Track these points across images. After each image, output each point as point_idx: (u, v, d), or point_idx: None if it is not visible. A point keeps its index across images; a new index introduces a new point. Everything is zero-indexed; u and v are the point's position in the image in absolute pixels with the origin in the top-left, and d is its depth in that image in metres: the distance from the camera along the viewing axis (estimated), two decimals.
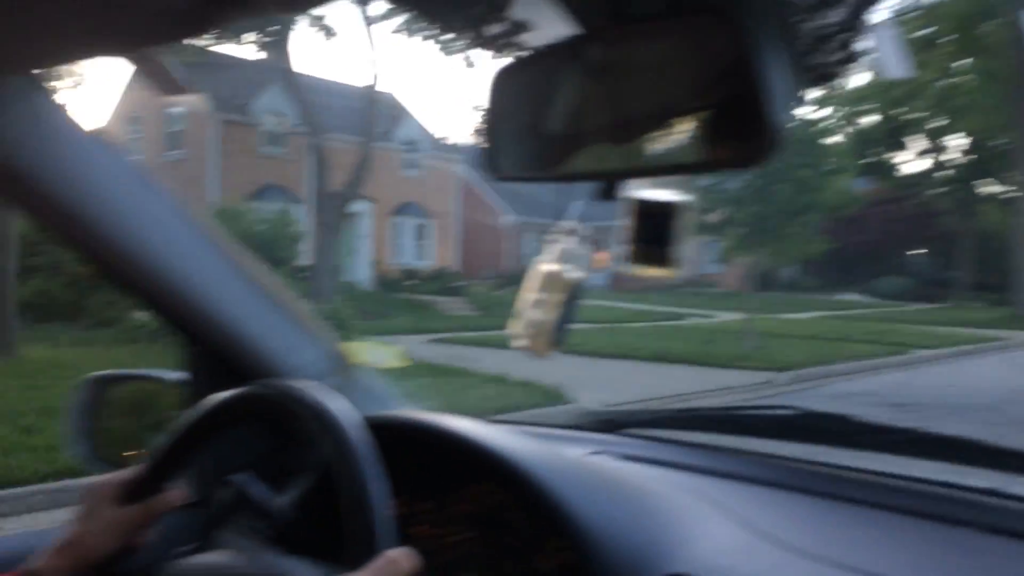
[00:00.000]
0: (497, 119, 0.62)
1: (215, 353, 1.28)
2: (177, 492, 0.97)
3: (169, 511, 0.96)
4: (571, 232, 0.57)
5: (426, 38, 17.40)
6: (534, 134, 0.61)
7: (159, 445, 0.97)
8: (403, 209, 28.85)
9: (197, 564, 0.93)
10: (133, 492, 0.95)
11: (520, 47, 0.59)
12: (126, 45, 0.79)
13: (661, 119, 0.50)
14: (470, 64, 18.12)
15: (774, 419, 1.16)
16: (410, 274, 26.14)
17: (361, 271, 25.19)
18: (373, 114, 18.52)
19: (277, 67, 15.35)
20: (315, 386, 0.87)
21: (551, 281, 0.61)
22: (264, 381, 0.95)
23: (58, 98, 0.98)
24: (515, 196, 32.28)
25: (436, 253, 29.68)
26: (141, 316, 11.08)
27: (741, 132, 0.45)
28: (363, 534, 0.72)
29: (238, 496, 1.24)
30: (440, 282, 25.05)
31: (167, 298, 1.17)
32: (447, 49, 16.54)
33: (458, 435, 1.01)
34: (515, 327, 0.65)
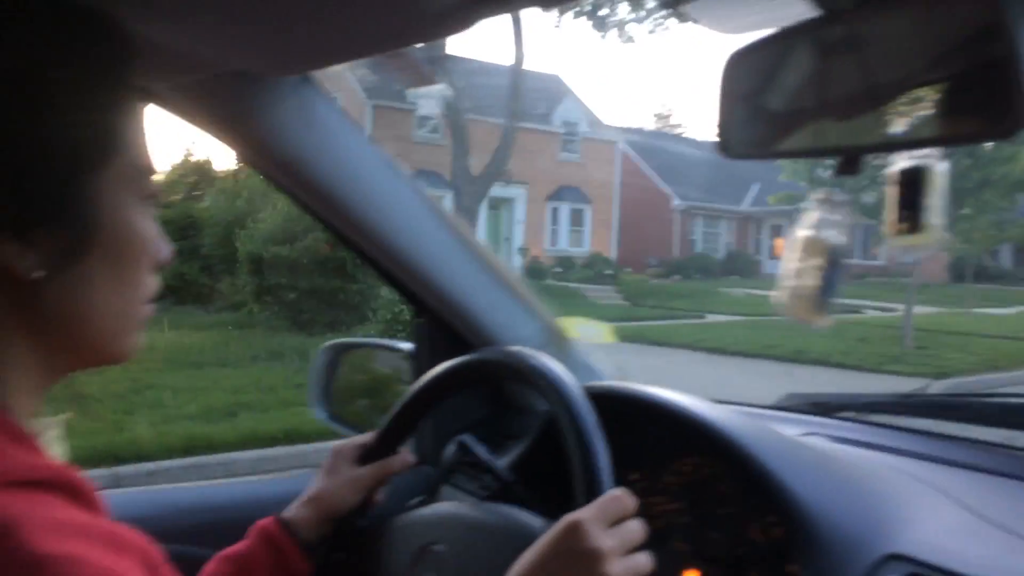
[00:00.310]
0: (731, 100, 0.66)
1: (442, 325, 1.39)
2: (407, 455, 1.07)
3: (401, 471, 1.06)
4: (826, 201, 0.59)
5: (578, 15, 16.84)
6: (769, 113, 0.65)
7: (392, 409, 1.08)
8: (560, 194, 27.83)
9: (428, 513, 1.02)
10: (369, 453, 1.06)
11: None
12: (390, 44, 0.89)
13: (901, 92, 0.52)
14: (628, 39, 17.23)
15: (999, 406, 1.12)
16: (563, 262, 25.35)
17: (510, 258, 24.50)
18: (520, 93, 17.45)
19: (433, 52, 14.87)
20: (541, 353, 0.93)
21: (810, 247, 0.64)
22: (494, 347, 1.02)
23: (325, 95, 1.12)
24: (684, 180, 30.60)
25: (592, 239, 28.51)
26: (265, 301, 11.50)
27: (988, 102, 0.46)
28: (589, 485, 0.78)
29: (462, 456, 1.35)
30: (593, 270, 24.12)
31: (405, 273, 1.29)
32: (600, 25, 15.89)
33: (674, 407, 1.05)
34: (779, 296, 0.67)
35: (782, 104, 0.63)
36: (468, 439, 1.20)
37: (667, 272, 26.68)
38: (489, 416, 1.46)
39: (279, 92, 1.07)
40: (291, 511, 1.01)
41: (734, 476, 1.05)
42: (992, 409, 1.14)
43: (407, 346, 1.55)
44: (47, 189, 0.59)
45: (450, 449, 1.39)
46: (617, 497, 0.77)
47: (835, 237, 0.56)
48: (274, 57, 0.96)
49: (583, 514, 0.74)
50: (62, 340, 0.63)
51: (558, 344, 1.39)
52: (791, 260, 0.58)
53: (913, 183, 0.57)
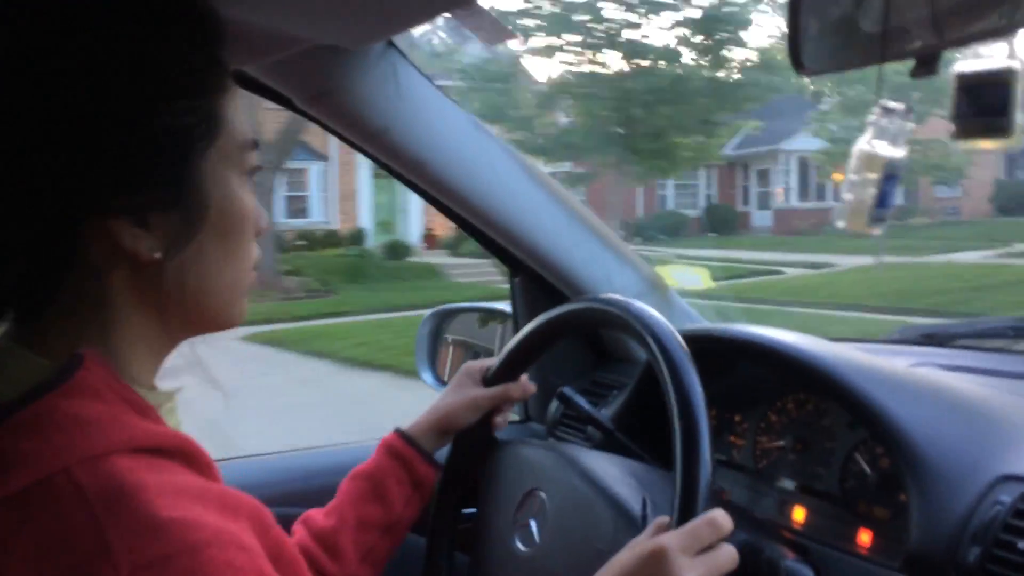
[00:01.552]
0: (800, 14, 0.65)
1: (539, 282, 1.41)
2: (528, 383, 1.08)
3: (520, 399, 1.08)
4: (889, 111, 0.57)
5: None
6: (841, 22, 0.63)
7: (514, 339, 1.07)
8: None
9: (542, 453, 1.04)
10: (494, 377, 1.08)
11: None
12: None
13: None
14: None
15: None
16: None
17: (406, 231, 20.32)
18: None
19: None
20: (637, 301, 0.92)
21: (866, 160, 0.62)
22: (592, 296, 1.03)
23: (410, 62, 1.14)
24: None
25: None
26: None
27: None
28: (686, 502, 0.75)
29: (565, 408, 1.37)
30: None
31: (499, 232, 1.32)
32: None
33: (775, 345, 1.04)
34: (840, 211, 0.65)
35: (855, 10, 0.62)
36: (568, 391, 1.22)
37: (625, 236, 23.08)
38: (591, 368, 1.48)
39: (365, 63, 1.10)
40: (411, 425, 1.06)
41: (838, 410, 1.04)
42: None
43: (507, 307, 1.58)
44: (161, 174, 0.62)
45: (552, 405, 1.42)
46: (711, 522, 0.72)
47: (890, 150, 0.54)
48: (355, 25, 0.99)
49: (671, 541, 0.71)
50: (180, 313, 0.68)
51: (657, 292, 1.39)
52: (848, 172, 0.56)
53: (981, 84, 0.55)
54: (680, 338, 0.83)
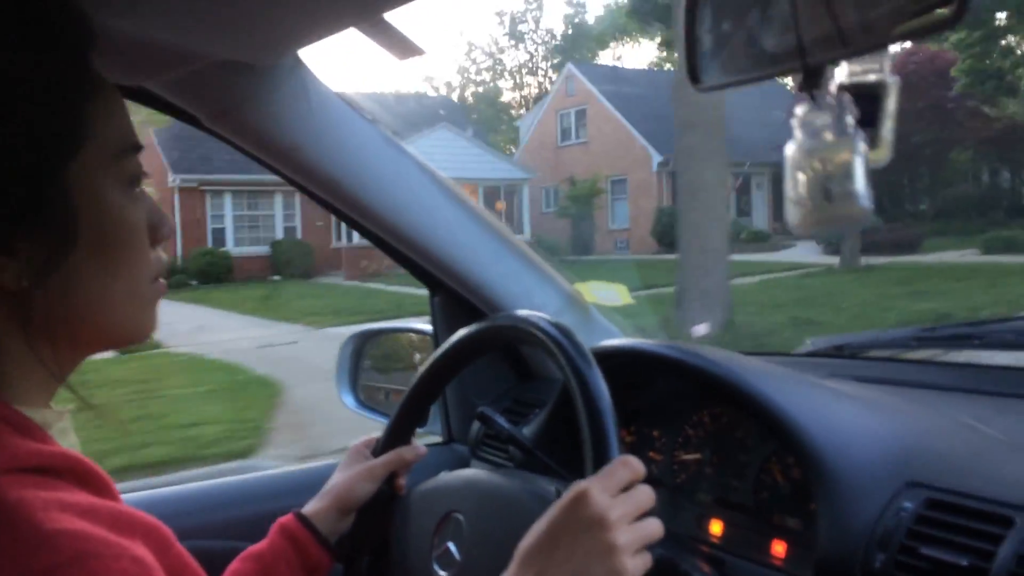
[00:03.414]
0: (696, 32, 0.66)
1: (458, 300, 1.40)
2: (418, 445, 1.07)
3: (414, 460, 1.06)
4: (806, 111, 0.57)
5: None
6: (734, 38, 0.64)
7: (400, 399, 1.08)
8: None
9: (448, 480, 1.03)
10: (383, 445, 1.06)
11: None
12: (373, 11, 0.89)
13: None
14: None
15: (1014, 330, 1.10)
16: None
17: None
18: None
19: None
20: (546, 316, 0.92)
21: (800, 161, 0.62)
22: (502, 314, 1.02)
23: (315, 74, 1.12)
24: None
25: None
26: None
27: None
28: (597, 452, 0.77)
29: (486, 428, 1.36)
30: None
31: (415, 250, 1.30)
32: None
33: (688, 360, 1.05)
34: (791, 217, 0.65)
35: (754, 27, 0.63)
36: (487, 411, 1.21)
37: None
38: (512, 386, 1.47)
39: (273, 79, 1.08)
40: (310, 506, 1.02)
41: (750, 422, 1.05)
42: (1008, 334, 1.12)
43: (429, 327, 1.56)
44: (17, 191, 0.57)
45: (475, 423, 1.40)
46: (624, 462, 0.75)
47: (828, 139, 0.54)
48: (260, 41, 0.96)
49: (590, 482, 0.73)
50: (68, 334, 0.63)
51: (576, 308, 1.39)
52: (790, 185, 0.57)
53: (865, 96, 0.56)
54: (587, 351, 0.84)
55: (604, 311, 1.45)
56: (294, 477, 1.43)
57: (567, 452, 1.20)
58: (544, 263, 1.40)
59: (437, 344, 1.49)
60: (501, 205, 22.38)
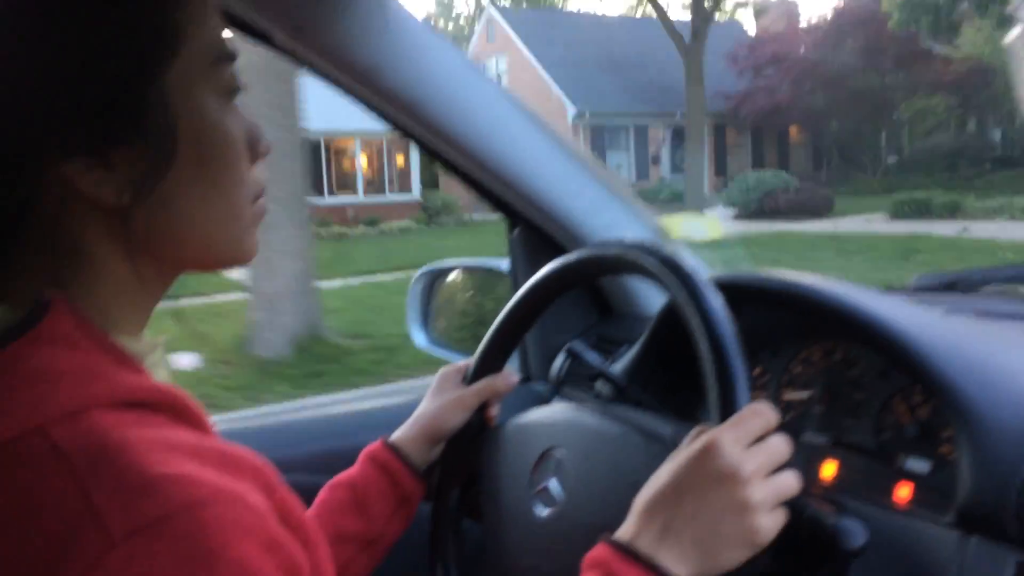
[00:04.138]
0: None
1: (539, 234, 1.34)
2: (511, 374, 1.03)
3: (505, 390, 1.02)
4: None
5: None
6: None
7: (492, 326, 1.03)
8: None
9: (546, 417, 0.98)
10: (474, 374, 1.02)
11: None
12: None
13: None
14: None
15: None
16: None
17: None
18: None
19: None
20: (659, 243, 0.85)
21: None
22: (606, 241, 0.95)
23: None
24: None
25: None
26: None
27: None
28: (725, 399, 0.70)
29: (572, 366, 1.30)
30: None
31: (495, 180, 1.24)
32: None
33: (804, 290, 0.97)
34: None
35: None
36: (578, 346, 1.15)
37: None
38: (594, 324, 1.41)
39: None
40: (398, 434, 0.99)
41: (871, 357, 0.98)
42: None
43: (503, 263, 1.50)
44: (115, 100, 0.54)
45: (558, 362, 1.34)
46: (757, 410, 0.69)
47: None
48: None
49: (721, 432, 0.67)
50: (164, 258, 0.60)
51: (665, 243, 1.32)
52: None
53: None
54: (702, 270, 0.78)
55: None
56: (374, 414, 1.39)
57: (660, 391, 1.14)
58: (630, 195, 1.33)
59: (515, 279, 1.43)
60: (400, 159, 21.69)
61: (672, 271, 0.79)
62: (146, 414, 0.53)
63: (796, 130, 26.35)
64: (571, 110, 23.67)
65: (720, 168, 24.13)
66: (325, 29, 1.03)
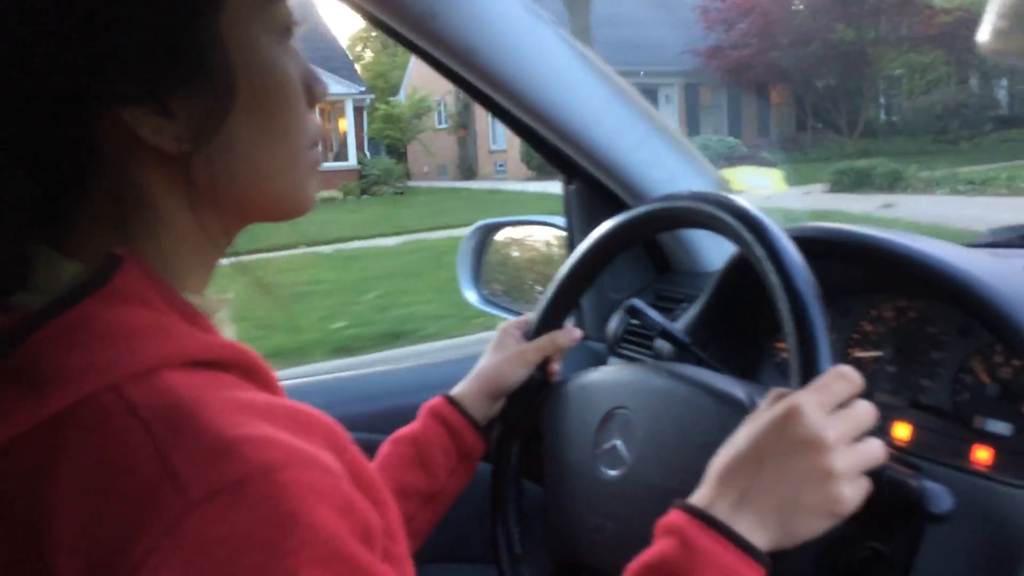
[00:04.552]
0: None
1: (596, 188, 1.30)
2: (573, 329, 1.01)
3: (568, 345, 1.00)
4: None
5: None
6: None
7: (554, 281, 1.01)
8: None
9: (610, 376, 0.95)
10: (536, 329, 1.01)
11: None
12: None
13: None
14: None
15: None
16: None
17: None
18: None
19: None
20: (734, 196, 0.81)
21: None
22: (677, 193, 0.92)
23: None
24: None
25: None
26: None
27: None
28: (807, 361, 0.67)
29: (631, 323, 1.27)
30: None
31: (553, 132, 1.20)
32: None
33: (880, 244, 0.93)
34: None
35: None
36: (639, 303, 1.12)
37: None
38: (652, 282, 1.38)
39: None
40: (458, 389, 0.98)
41: (949, 315, 0.93)
42: None
43: (558, 220, 1.47)
44: (171, 43, 0.52)
45: (614, 320, 1.31)
46: (842, 374, 0.66)
47: None
48: None
49: (804, 397, 0.64)
50: (229, 205, 0.58)
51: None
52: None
53: None
54: (778, 225, 0.74)
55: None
56: (431, 371, 1.38)
57: (724, 350, 1.11)
58: (691, 146, 1.29)
59: (571, 235, 1.40)
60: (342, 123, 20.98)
61: (748, 226, 0.75)
62: (216, 373, 0.51)
63: (779, 90, 24.32)
64: None
65: (693, 130, 22.81)
66: None
